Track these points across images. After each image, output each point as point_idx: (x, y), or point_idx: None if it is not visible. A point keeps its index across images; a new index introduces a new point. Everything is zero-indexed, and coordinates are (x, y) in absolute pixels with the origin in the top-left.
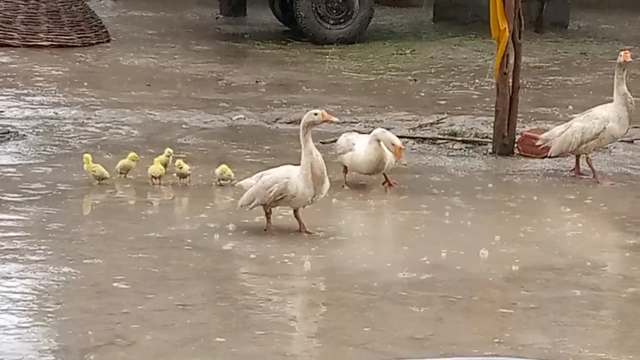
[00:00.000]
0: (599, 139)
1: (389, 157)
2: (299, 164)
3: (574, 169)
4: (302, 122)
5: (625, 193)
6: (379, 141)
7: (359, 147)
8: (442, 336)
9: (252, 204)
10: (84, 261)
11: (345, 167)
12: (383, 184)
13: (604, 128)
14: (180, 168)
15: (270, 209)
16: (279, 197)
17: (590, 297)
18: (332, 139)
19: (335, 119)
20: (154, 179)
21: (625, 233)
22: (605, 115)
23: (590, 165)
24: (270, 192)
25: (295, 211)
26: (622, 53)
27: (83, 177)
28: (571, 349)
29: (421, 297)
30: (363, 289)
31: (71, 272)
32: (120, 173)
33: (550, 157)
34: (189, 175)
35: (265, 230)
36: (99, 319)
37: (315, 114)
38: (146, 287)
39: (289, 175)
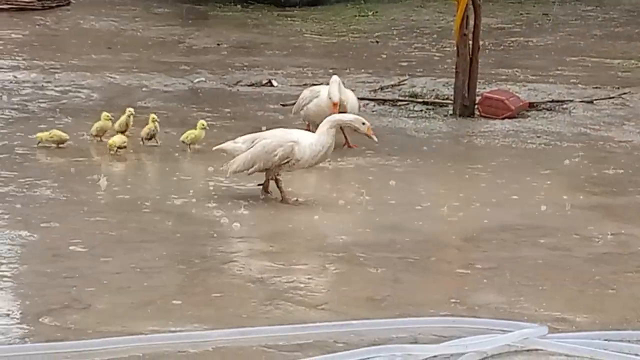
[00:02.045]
0: None
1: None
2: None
3: None
4: (345, 119)
5: (584, 154)
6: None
7: (323, 93)
8: (398, 297)
9: (252, 169)
10: (41, 225)
11: (308, 125)
12: (343, 145)
13: None
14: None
15: (273, 175)
16: (284, 162)
17: (547, 257)
18: (292, 102)
19: (375, 139)
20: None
21: (583, 193)
22: None
23: None
24: (275, 156)
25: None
26: None
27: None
28: (527, 308)
29: (379, 258)
30: (321, 251)
31: (27, 235)
32: (96, 136)
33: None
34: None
35: (262, 197)
36: (54, 283)
37: (364, 124)
38: (103, 250)
39: (295, 139)
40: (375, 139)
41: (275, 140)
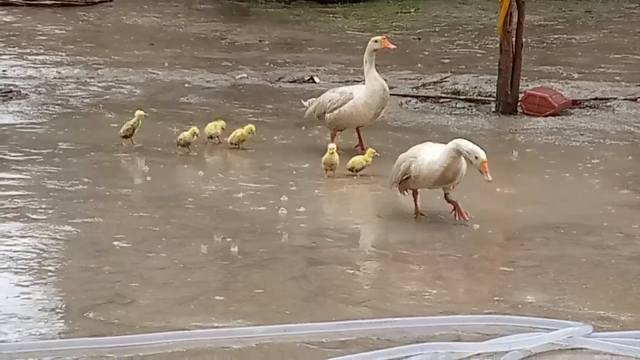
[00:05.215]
0: None
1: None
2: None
3: None
4: (464, 147)
5: (628, 152)
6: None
7: (357, 94)
8: (441, 294)
9: (392, 180)
10: (85, 220)
11: (335, 130)
12: (355, 147)
13: None
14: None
15: (404, 188)
16: (405, 177)
17: (590, 256)
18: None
19: (489, 178)
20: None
21: (626, 191)
22: None
23: None
24: (399, 170)
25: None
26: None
27: (84, 136)
28: (570, 306)
29: (421, 256)
30: (363, 248)
31: (71, 230)
32: (210, 138)
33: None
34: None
35: (414, 217)
36: (98, 278)
37: (477, 158)
38: (146, 245)
39: (416, 156)
40: (489, 178)
41: (405, 154)
